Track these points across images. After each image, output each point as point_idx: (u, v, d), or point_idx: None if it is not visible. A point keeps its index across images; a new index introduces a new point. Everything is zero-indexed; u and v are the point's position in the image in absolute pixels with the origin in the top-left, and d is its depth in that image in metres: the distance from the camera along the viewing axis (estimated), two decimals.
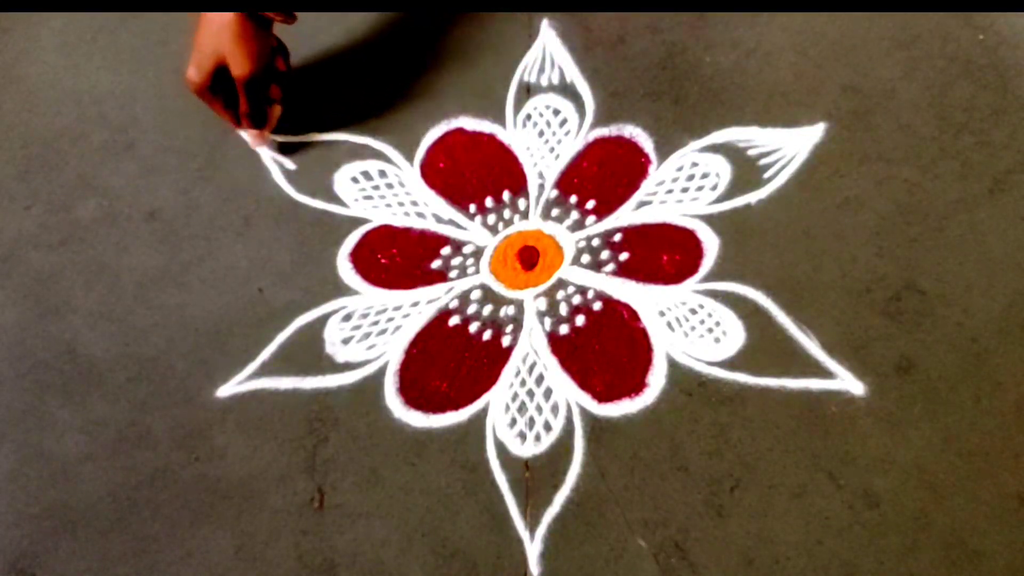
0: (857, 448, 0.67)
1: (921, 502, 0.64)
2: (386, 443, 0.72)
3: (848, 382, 0.70)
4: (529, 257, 0.82)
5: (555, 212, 0.85)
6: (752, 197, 0.81)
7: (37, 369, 0.80)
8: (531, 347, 0.76)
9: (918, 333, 0.71)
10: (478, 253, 0.83)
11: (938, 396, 0.68)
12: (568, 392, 0.73)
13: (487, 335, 0.78)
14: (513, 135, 0.90)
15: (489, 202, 0.86)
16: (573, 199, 0.85)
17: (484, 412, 0.73)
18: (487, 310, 0.79)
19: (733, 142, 0.85)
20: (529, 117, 0.91)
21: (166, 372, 0.78)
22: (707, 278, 0.77)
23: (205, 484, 0.72)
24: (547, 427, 0.72)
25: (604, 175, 0.86)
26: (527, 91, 0.93)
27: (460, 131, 0.91)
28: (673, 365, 0.73)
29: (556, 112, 0.91)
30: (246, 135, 0.90)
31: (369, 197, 0.88)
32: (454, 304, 0.80)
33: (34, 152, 0.95)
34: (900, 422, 0.68)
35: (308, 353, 0.78)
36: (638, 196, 0.84)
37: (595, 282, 0.79)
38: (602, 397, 0.72)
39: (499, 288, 0.81)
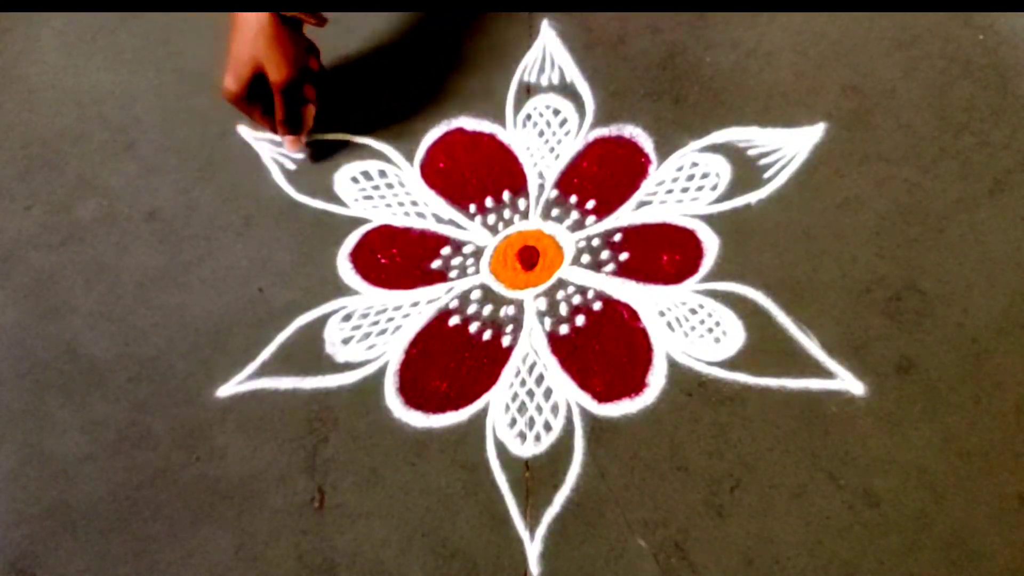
0: (857, 448, 0.67)
1: (921, 502, 0.64)
2: (386, 443, 0.72)
3: (848, 382, 0.70)
4: (529, 257, 0.82)
5: (555, 212, 0.85)
6: (752, 197, 0.81)
7: (37, 369, 0.80)
8: (531, 347, 0.76)
9: (918, 333, 0.71)
10: (478, 253, 0.83)
11: (938, 396, 0.68)
12: (568, 392, 0.73)
13: (487, 335, 0.78)
14: (513, 135, 0.90)
15: (489, 202, 0.86)
16: (573, 199, 0.85)
17: (484, 412, 0.73)
18: (487, 310, 0.79)
19: (733, 142, 0.85)
20: (529, 117, 0.91)
21: (166, 372, 0.78)
22: (707, 278, 0.77)
23: (205, 484, 0.72)
24: (547, 427, 0.72)
25: (604, 175, 0.86)
26: (527, 91, 0.93)
27: (460, 131, 0.91)
28: (673, 365, 0.73)
29: (556, 112, 0.91)
30: (284, 141, 0.89)
31: (369, 197, 0.88)
32: (454, 304, 0.80)
33: (34, 152, 0.95)
34: (900, 422, 0.68)
35: (308, 353, 0.78)
36: (638, 196, 0.84)
37: (595, 282, 0.79)
38: (602, 397, 0.72)
39: (499, 288, 0.81)
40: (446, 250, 0.84)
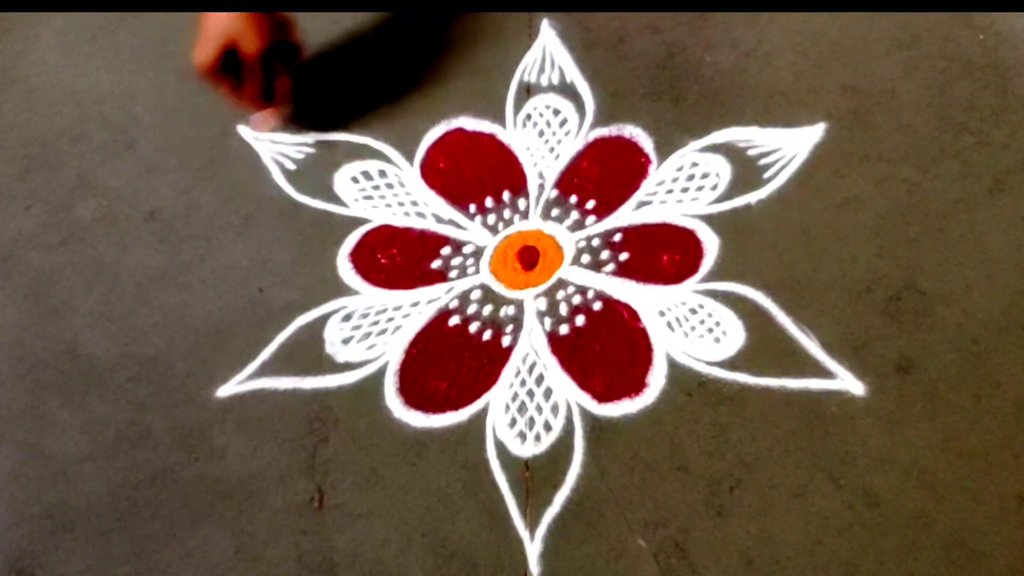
0: (857, 448, 0.67)
1: (921, 502, 0.64)
2: (386, 443, 0.72)
3: (848, 382, 0.70)
4: (529, 257, 0.82)
5: (555, 212, 0.85)
6: (752, 197, 0.81)
7: (37, 369, 0.80)
8: (531, 347, 0.76)
9: (918, 333, 0.71)
10: (478, 253, 0.83)
11: (938, 396, 0.68)
12: (568, 392, 0.73)
13: (487, 335, 0.78)
14: (513, 135, 0.90)
15: (489, 202, 0.86)
16: (573, 199, 0.85)
17: (484, 412, 0.73)
18: (487, 310, 0.79)
19: (733, 142, 0.85)
20: (529, 117, 0.91)
21: (166, 372, 0.78)
22: (707, 278, 0.77)
23: (205, 484, 0.72)
24: (547, 427, 0.72)
25: (604, 175, 0.86)
26: (527, 91, 0.93)
27: (460, 131, 0.91)
28: (673, 365, 0.73)
29: (556, 112, 0.91)
30: (257, 117, 0.89)
31: (369, 197, 0.88)
32: (454, 304, 0.80)
33: (34, 152, 0.95)
34: (900, 422, 0.68)
35: (308, 353, 0.78)
36: (638, 196, 0.84)
37: (595, 282, 0.79)
38: (602, 397, 0.72)
39: (499, 288, 0.81)
40: (446, 250, 0.84)
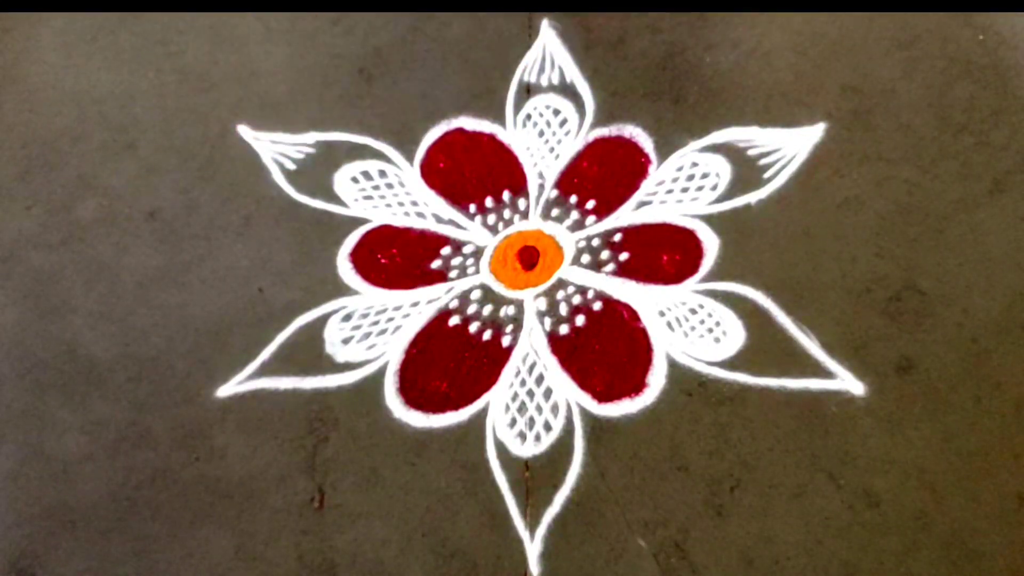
0: (857, 448, 0.67)
1: (921, 502, 0.64)
2: (386, 443, 0.72)
3: (848, 382, 0.70)
4: (529, 257, 0.82)
5: (555, 212, 0.85)
6: (752, 197, 0.81)
7: (37, 369, 0.80)
8: (531, 347, 0.76)
9: (918, 333, 0.71)
10: (478, 253, 0.83)
11: (938, 396, 0.68)
12: (568, 392, 0.73)
13: (487, 335, 0.78)
14: (513, 135, 0.90)
15: (489, 202, 0.86)
16: (573, 199, 0.85)
17: (484, 412, 0.73)
18: (487, 310, 0.79)
19: (733, 142, 0.85)
20: (529, 117, 0.91)
21: (166, 372, 0.78)
22: (707, 278, 0.77)
23: (205, 484, 0.72)
24: (547, 427, 0.72)
25: (604, 175, 0.86)
26: (527, 91, 0.93)
27: (460, 131, 0.91)
28: (673, 365, 0.73)
29: (556, 112, 0.91)
30: None
31: (369, 197, 0.88)
32: (454, 304, 0.80)
33: (34, 152, 0.95)
34: (900, 422, 0.67)
35: (308, 353, 0.78)
36: (638, 196, 0.84)
37: (595, 282, 0.79)
38: (602, 397, 0.72)
39: (499, 288, 0.81)
40: (446, 250, 0.84)
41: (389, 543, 0.68)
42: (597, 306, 0.78)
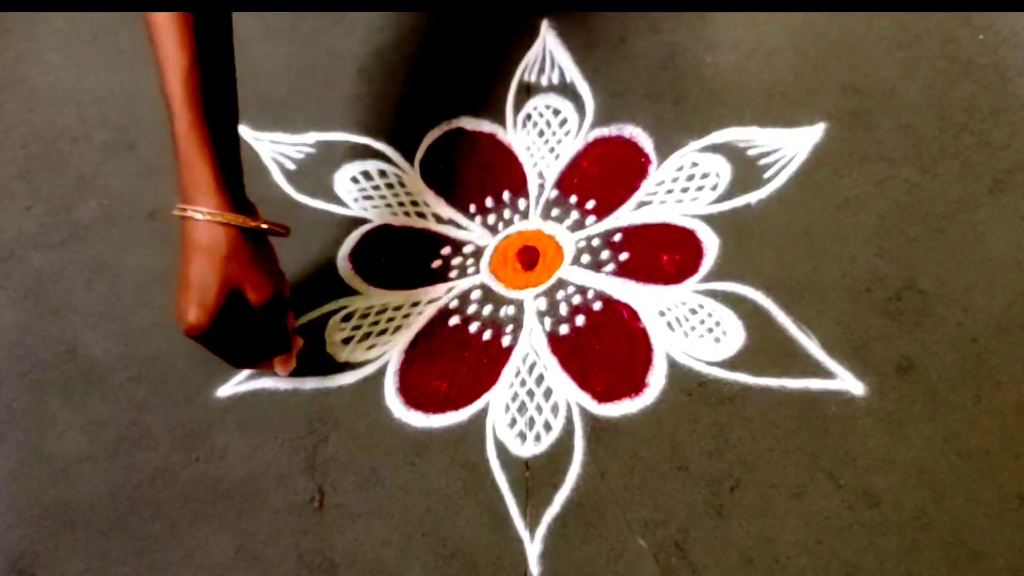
0: (857, 448, 0.67)
1: (921, 502, 0.64)
2: (386, 443, 0.72)
3: (848, 382, 0.70)
4: (529, 257, 0.82)
5: (555, 212, 0.85)
6: (752, 197, 0.81)
7: (37, 369, 0.80)
8: (531, 347, 0.76)
9: (918, 333, 0.71)
10: (478, 253, 0.83)
11: (938, 396, 0.68)
12: (568, 392, 0.73)
13: (487, 335, 0.78)
14: (513, 135, 0.90)
15: (489, 202, 0.86)
16: (573, 199, 0.85)
17: (484, 412, 0.73)
18: (487, 310, 0.79)
19: (733, 142, 0.85)
20: (529, 117, 0.91)
21: (166, 372, 0.78)
22: (707, 278, 0.77)
23: (205, 484, 0.72)
24: (547, 427, 0.72)
25: (604, 175, 0.86)
26: (527, 91, 0.93)
27: (460, 131, 0.91)
28: (673, 365, 0.73)
29: (556, 112, 0.91)
30: (278, 368, 0.74)
31: (369, 197, 0.88)
32: (454, 304, 0.80)
33: (34, 152, 0.95)
34: (900, 422, 0.67)
35: (308, 353, 0.78)
36: (638, 196, 0.84)
37: (595, 282, 0.79)
38: (602, 397, 0.72)
39: (499, 288, 0.81)
40: (446, 250, 0.84)
41: (389, 543, 0.68)
42: (597, 306, 0.78)
